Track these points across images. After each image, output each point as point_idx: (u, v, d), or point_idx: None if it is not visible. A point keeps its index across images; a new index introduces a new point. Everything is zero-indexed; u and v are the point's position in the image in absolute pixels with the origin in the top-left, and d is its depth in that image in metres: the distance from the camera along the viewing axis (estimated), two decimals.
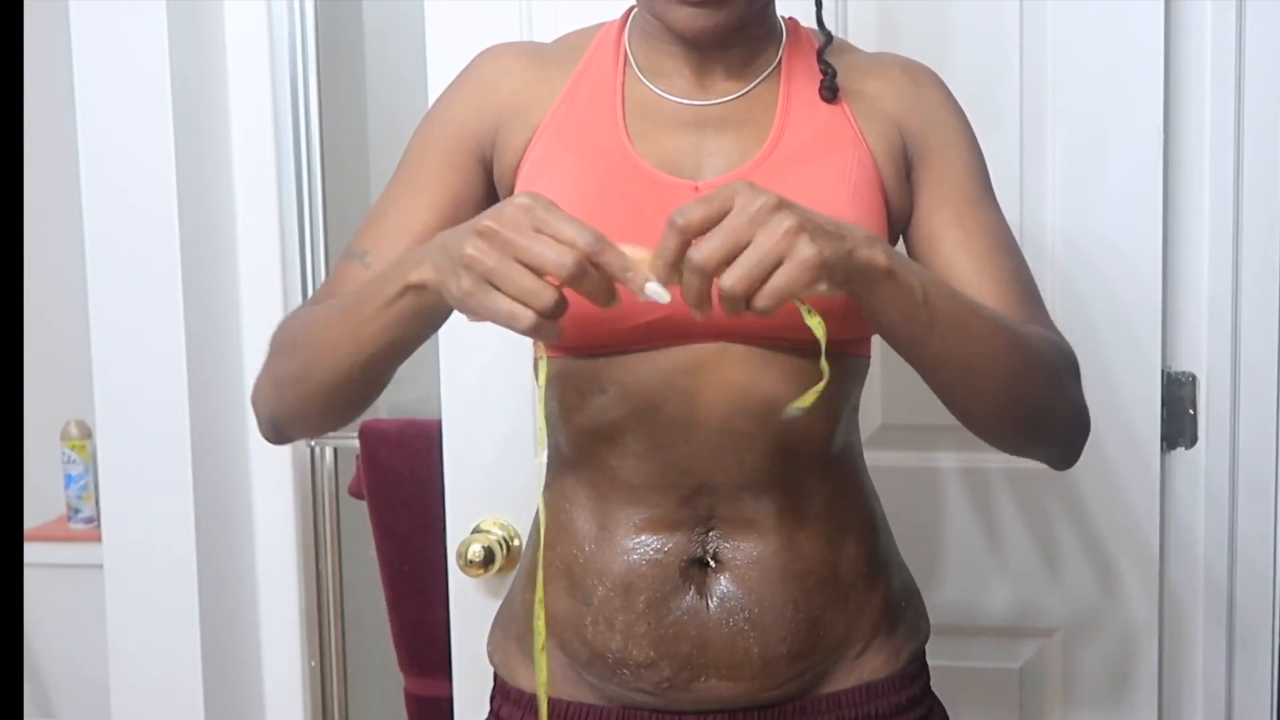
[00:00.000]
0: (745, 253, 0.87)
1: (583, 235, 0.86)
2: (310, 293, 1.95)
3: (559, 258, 0.86)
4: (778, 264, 0.87)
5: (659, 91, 1.13)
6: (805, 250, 0.87)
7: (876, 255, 0.92)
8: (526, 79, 1.15)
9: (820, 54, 1.13)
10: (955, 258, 1.11)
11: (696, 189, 1.08)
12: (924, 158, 1.15)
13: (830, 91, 1.12)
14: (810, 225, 0.88)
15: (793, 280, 0.87)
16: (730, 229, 0.87)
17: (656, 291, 0.88)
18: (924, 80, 1.18)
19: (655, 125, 1.12)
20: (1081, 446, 1.14)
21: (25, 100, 2.39)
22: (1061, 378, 1.09)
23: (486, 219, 0.88)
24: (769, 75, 1.14)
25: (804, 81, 1.14)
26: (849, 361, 1.13)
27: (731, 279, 0.86)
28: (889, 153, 1.14)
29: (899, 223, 1.16)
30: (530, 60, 1.16)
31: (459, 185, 1.14)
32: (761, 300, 0.87)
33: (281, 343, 1.10)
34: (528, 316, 0.86)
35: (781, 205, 0.88)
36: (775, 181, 1.05)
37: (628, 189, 1.08)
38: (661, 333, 1.07)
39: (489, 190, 1.17)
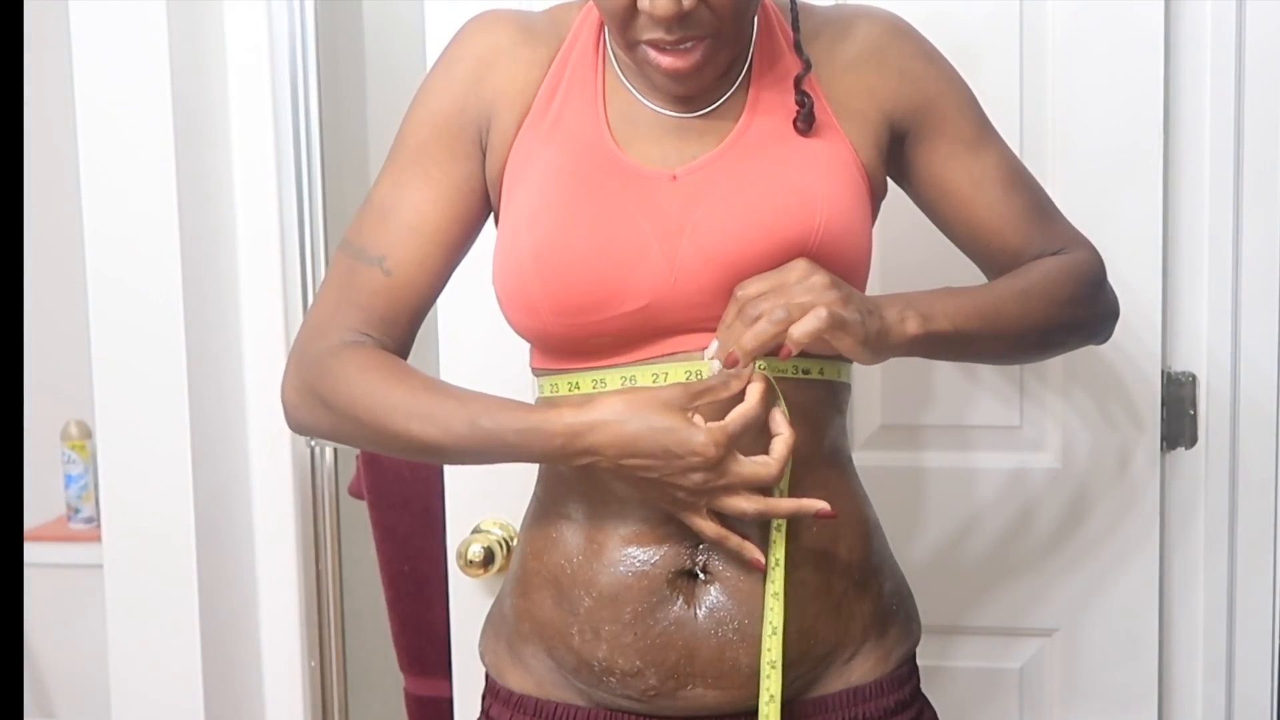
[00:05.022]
0: (783, 303, 1.01)
1: (753, 505, 1.03)
2: (310, 294, 1.95)
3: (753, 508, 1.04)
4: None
5: (639, 97, 1.12)
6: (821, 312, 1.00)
7: (908, 327, 1.05)
8: (517, 57, 1.13)
9: (797, 83, 1.11)
10: (970, 211, 1.19)
11: (674, 177, 1.08)
12: (915, 123, 1.16)
13: (806, 123, 1.11)
14: (846, 299, 1.02)
15: (809, 326, 1.00)
16: (779, 289, 1.02)
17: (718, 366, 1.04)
18: (890, 42, 1.16)
19: (637, 128, 1.12)
20: (1112, 329, 1.26)
21: (25, 100, 2.39)
22: (1085, 299, 1.19)
23: (692, 480, 1.01)
24: (744, 73, 1.13)
25: (774, 68, 1.13)
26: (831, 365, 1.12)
27: (765, 321, 1.00)
28: (868, 136, 1.14)
29: (881, 195, 1.18)
30: (520, 35, 1.14)
31: (464, 176, 1.14)
32: (790, 339, 1.01)
33: (331, 395, 1.09)
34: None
35: (832, 284, 1.02)
36: (745, 160, 1.08)
37: (606, 181, 1.09)
38: (647, 327, 1.07)
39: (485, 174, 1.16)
